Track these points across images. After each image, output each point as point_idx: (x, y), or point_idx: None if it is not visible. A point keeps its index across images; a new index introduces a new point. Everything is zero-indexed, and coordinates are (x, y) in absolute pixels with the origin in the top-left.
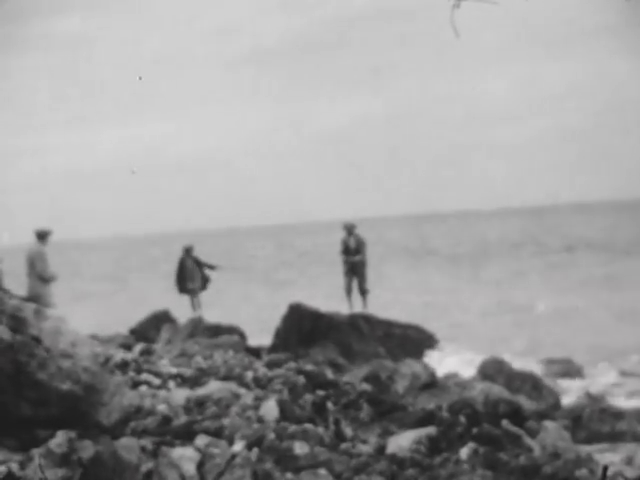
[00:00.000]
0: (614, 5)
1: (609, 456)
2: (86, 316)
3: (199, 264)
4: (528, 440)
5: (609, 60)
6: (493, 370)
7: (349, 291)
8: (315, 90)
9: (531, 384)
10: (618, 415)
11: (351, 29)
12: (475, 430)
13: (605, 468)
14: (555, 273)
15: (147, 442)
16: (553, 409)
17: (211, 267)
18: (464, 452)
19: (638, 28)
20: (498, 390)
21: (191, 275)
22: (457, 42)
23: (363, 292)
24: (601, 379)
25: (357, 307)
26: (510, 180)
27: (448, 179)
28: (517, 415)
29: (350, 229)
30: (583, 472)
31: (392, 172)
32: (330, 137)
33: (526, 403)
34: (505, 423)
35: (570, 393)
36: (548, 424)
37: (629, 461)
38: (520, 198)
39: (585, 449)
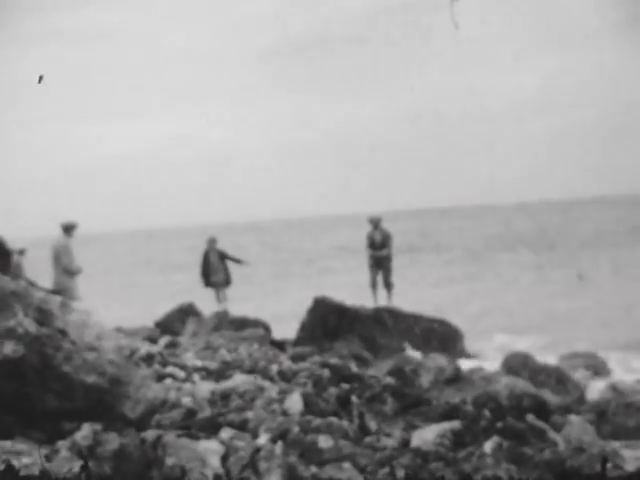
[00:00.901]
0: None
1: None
2: (108, 309)
3: (224, 257)
4: (553, 434)
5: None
6: (517, 364)
7: (374, 285)
8: (322, 88)
9: (556, 378)
10: None
11: (373, 24)
12: (499, 424)
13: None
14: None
15: (172, 435)
16: (578, 403)
17: (238, 261)
18: (488, 446)
19: None
20: (523, 384)
21: (215, 269)
22: (472, 38)
23: (388, 286)
24: (627, 373)
25: (382, 301)
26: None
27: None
28: (542, 409)
29: (376, 223)
30: (608, 466)
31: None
32: (351, 133)
33: (551, 397)
34: (530, 417)
35: (595, 387)
36: (573, 418)
37: None
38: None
39: (611, 445)
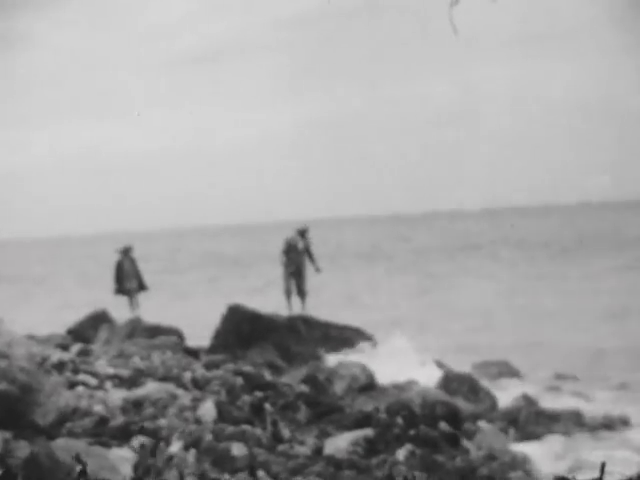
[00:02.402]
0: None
1: (535, 449)
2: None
3: (134, 264)
4: (465, 442)
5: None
6: None
7: (289, 293)
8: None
9: (468, 386)
10: (553, 417)
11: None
12: (412, 432)
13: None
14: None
15: (83, 443)
16: (490, 411)
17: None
18: (401, 453)
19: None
20: (435, 392)
21: (128, 275)
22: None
23: (302, 294)
24: (537, 381)
25: (296, 309)
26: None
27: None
28: (454, 417)
29: (304, 232)
30: (519, 474)
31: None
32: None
33: (463, 405)
34: (442, 425)
35: (506, 395)
36: (484, 426)
37: (557, 455)
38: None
39: (521, 445)
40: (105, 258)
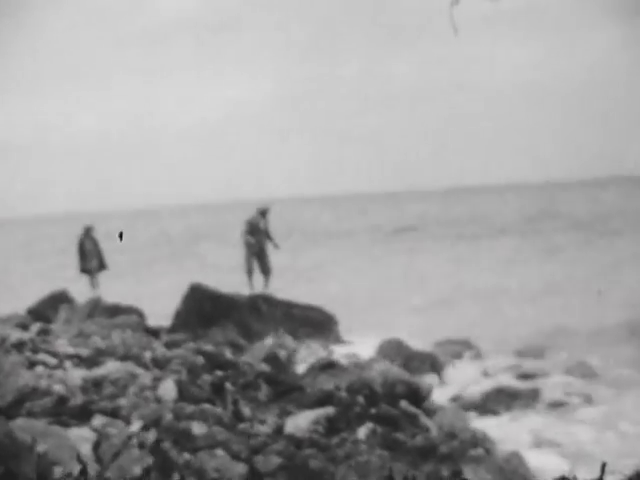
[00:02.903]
0: None
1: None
2: None
3: (96, 244)
4: (425, 420)
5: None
6: (392, 350)
7: (251, 272)
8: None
9: (430, 364)
10: (514, 395)
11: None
12: (373, 410)
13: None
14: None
15: (42, 423)
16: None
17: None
18: (362, 432)
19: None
20: (396, 370)
21: (89, 255)
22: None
23: (267, 272)
24: (498, 359)
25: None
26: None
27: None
28: (415, 395)
29: (265, 212)
30: (479, 451)
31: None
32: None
33: (424, 383)
34: (403, 403)
35: (468, 373)
36: (445, 404)
37: (517, 433)
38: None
39: (482, 423)
40: (64, 238)
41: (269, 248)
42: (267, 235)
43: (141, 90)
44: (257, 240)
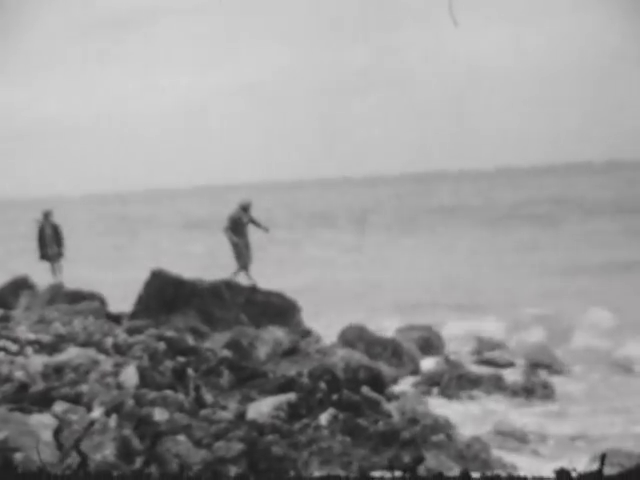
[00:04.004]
0: None
1: (457, 412)
2: None
3: (57, 232)
4: (387, 406)
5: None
6: (353, 336)
7: (246, 265)
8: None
9: (391, 350)
10: (475, 381)
11: None
12: (335, 396)
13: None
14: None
15: (3, 409)
16: (412, 375)
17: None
18: (324, 418)
19: None
20: (358, 356)
21: (50, 241)
22: None
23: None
24: (460, 345)
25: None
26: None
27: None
28: (377, 381)
29: (246, 207)
30: (440, 437)
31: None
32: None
33: (386, 369)
34: (365, 389)
35: (429, 359)
36: (407, 390)
37: (478, 418)
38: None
39: (443, 409)
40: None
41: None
42: (254, 224)
43: (111, 77)
44: (242, 234)
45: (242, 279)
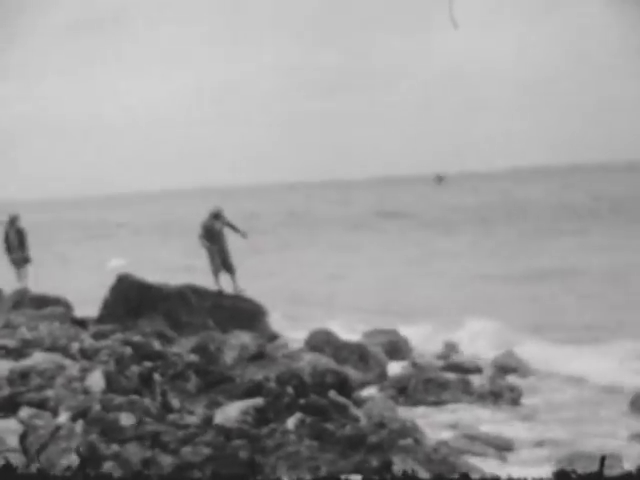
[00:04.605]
0: None
1: (424, 417)
2: None
3: (21, 235)
4: (355, 410)
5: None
6: (321, 341)
7: (217, 271)
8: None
9: (358, 354)
10: (443, 385)
11: None
12: (302, 401)
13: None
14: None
15: None
16: (380, 379)
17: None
18: (291, 422)
19: None
20: (325, 361)
21: (14, 246)
22: None
23: (231, 270)
24: (427, 349)
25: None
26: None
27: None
28: (344, 385)
29: (217, 214)
30: (408, 441)
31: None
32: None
33: (353, 373)
34: (332, 393)
35: (396, 364)
36: (374, 394)
37: (446, 424)
38: None
39: (411, 413)
40: None
41: (229, 247)
42: (232, 229)
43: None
44: (215, 241)
45: (241, 284)
